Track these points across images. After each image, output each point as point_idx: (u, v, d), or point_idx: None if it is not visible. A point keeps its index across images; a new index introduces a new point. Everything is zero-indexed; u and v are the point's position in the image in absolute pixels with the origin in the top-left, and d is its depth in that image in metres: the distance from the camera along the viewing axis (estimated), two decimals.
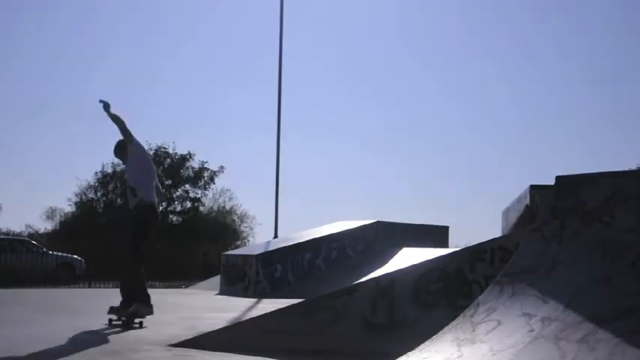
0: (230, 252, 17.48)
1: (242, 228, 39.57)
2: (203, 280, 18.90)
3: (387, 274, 6.22)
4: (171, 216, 36.48)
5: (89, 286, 18.89)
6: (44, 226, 37.49)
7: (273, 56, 23.57)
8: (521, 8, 57.64)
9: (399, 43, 60.63)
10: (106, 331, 6.81)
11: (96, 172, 35.75)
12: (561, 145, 54.48)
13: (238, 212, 39.67)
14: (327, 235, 15.72)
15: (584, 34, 56.90)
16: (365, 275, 11.06)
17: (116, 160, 35.94)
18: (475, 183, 56.50)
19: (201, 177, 36.26)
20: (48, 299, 12.36)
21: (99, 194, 36.04)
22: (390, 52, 59.90)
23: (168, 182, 36.06)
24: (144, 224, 7.46)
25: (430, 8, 60.01)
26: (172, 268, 23.12)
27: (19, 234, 31.72)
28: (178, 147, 36.11)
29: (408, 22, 60.70)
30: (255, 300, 12.32)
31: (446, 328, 4.56)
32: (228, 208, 39.42)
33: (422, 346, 4.41)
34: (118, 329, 6.98)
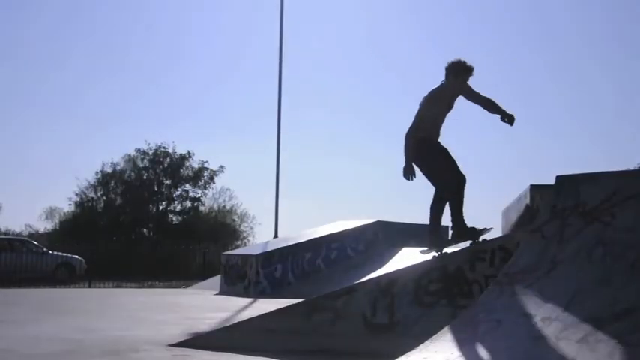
0: (230, 252, 17.48)
1: (242, 228, 39.58)
2: (203, 280, 18.90)
3: (387, 274, 6.22)
4: (171, 216, 36.50)
5: (89, 286, 18.89)
6: (44, 226, 37.50)
7: (273, 56, 23.60)
8: (524, 5, 57.69)
9: (399, 42, 60.66)
10: (106, 331, 6.81)
11: (96, 172, 35.79)
12: (561, 145, 54.49)
13: (238, 212, 39.68)
14: (327, 235, 15.72)
15: (586, 34, 56.93)
16: (365, 275, 11.06)
17: (116, 160, 36.18)
18: (475, 183, 56.48)
19: (201, 177, 36.28)
20: (48, 299, 12.36)
21: (99, 194, 36.07)
22: (390, 51, 59.93)
23: (168, 182, 36.08)
24: None
25: (432, 4, 60.06)
26: (172, 268, 23.14)
27: (19, 234, 31.72)
28: (178, 147, 36.15)
29: (409, 19, 60.75)
30: (254, 300, 12.33)
31: (446, 328, 4.56)
32: (228, 207, 39.42)
33: (422, 346, 4.40)
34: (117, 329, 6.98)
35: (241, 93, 56.03)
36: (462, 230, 6.42)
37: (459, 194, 6.52)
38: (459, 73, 6.48)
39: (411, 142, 6.48)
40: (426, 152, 6.49)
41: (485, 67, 56.16)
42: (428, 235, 6.58)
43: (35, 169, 51.33)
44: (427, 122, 6.50)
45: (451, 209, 6.52)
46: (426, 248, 6.59)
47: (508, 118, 6.45)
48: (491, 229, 6.68)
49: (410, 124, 6.54)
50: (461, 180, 6.49)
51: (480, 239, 6.34)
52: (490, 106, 6.52)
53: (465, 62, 6.51)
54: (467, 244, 6.43)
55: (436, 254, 6.40)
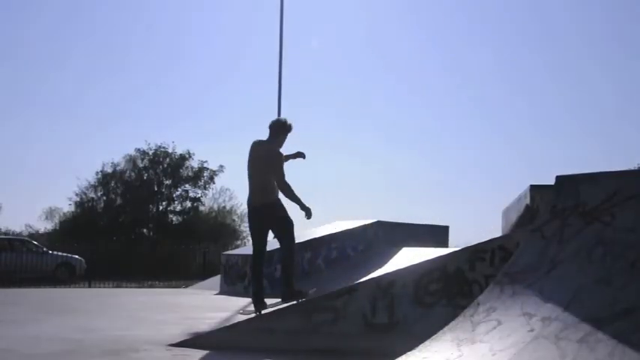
0: (230, 252, 17.47)
1: (242, 228, 39.60)
2: (203, 280, 18.90)
3: (387, 274, 6.22)
4: (171, 216, 36.53)
5: (89, 286, 18.89)
6: (44, 226, 37.52)
7: (273, 56, 23.61)
8: (524, 6, 57.69)
9: (399, 42, 60.64)
10: (106, 331, 6.80)
11: (96, 172, 35.81)
12: (562, 145, 54.50)
13: (238, 212, 39.71)
14: (327, 235, 15.72)
15: (586, 34, 56.92)
16: (365, 275, 11.05)
17: (116, 160, 36.18)
18: (475, 183, 56.52)
19: (201, 176, 36.31)
20: (48, 299, 12.35)
21: (99, 194, 36.09)
22: (390, 51, 59.93)
23: (168, 182, 36.10)
24: None
25: (432, 4, 60.04)
26: (172, 268, 23.15)
27: (19, 234, 31.74)
28: (178, 147, 36.17)
29: (409, 19, 60.73)
30: None
31: (446, 328, 4.56)
32: (228, 207, 39.46)
33: (422, 346, 4.41)
34: (118, 329, 6.98)
35: (241, 93, 56.06)
36: (292, 292, 7.13)
37: (295, 257, 7.54)
38: (286, 133, 7.40)
39: (265, 206, 7.28)
40: (283, 213, 7.38)
41: (485, 67, 56.19)
42: (254, 295, 7.22)
43: (35, 169, 51.36)
44: (273, 185, 7.28)
45: (288, 271, 7.39)
46: (248, 310, 7.34)
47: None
48: (314, 289, 7.56)
49: (257, 185, 7.28)
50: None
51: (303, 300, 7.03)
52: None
53: (287, 121, 7.50)
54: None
55: (256, 314, 6.97)
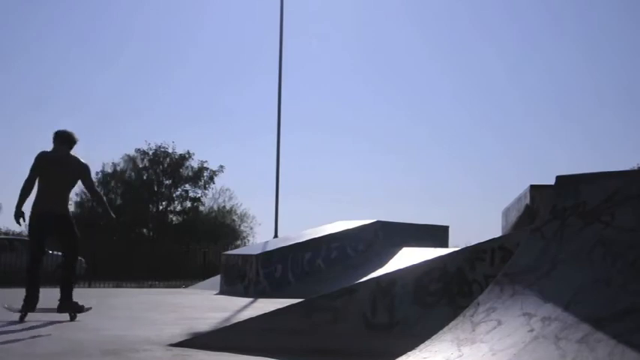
0: (230, 252, 17.48)
1: (242, 228, 39.61)
2: (203, 280, 18.90)
3: (388, 273, 6.21)
4: (171, 216, 36.55)
5: (89, 286, 18.89)
6: None
7: (273, 55, 23.64)
8: (524, 6, 57.70)
9: (402, 40, 60.62)
10: (106, 331, 6.80)
11: (96, 172, 35.82)
12: (562, 145, 54.53)
13: (238, 212, 39.71)
14: (327, 235, 15.72)
15: (591, 34, 56.91)
16: (365, 275, 11.06)
17: (117, 160, 36.19)
18: (475, 183, 56.55)
19: (201, 176, 36.32)
20: (48, 299, 12.33)
21: None
22: (393, 50, 59.91)
23: (168, 182, 36.10)
24: None
25: (438, 2, 60.05)
26: (172, 268, 23.14)
27: (19, 234, 31.73)
28: (178, 146, 36.18)
29: (413, 17, 60.74)
30: (254, 300, 12.32)
31: (446, 328, 4.55)
32: (228, 207, 39.47)
33: (422, 346, 4.40)
34: (117, 329, 6.97)
35: (241, 93, 56.09)
36: (71, 302, 7.83)
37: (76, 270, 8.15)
38: (74, 146, 8.12)
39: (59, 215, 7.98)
40: (74, 226, 8.15)
41: (486, 68, 56.16)
42: (26, 298, 7.67)
43: None
44: (69, 198, 8.27)
45: (70, 283, 8.10)
46: (14, 308, 7.79)
47: None
48: (90, 308, 8.10)
49: (59, 195, 7.94)
50: None
51: (77, 315, 7.76)
52: None
53: (78, 137, 8.19)
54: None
55: (23, 314, 7.60)
